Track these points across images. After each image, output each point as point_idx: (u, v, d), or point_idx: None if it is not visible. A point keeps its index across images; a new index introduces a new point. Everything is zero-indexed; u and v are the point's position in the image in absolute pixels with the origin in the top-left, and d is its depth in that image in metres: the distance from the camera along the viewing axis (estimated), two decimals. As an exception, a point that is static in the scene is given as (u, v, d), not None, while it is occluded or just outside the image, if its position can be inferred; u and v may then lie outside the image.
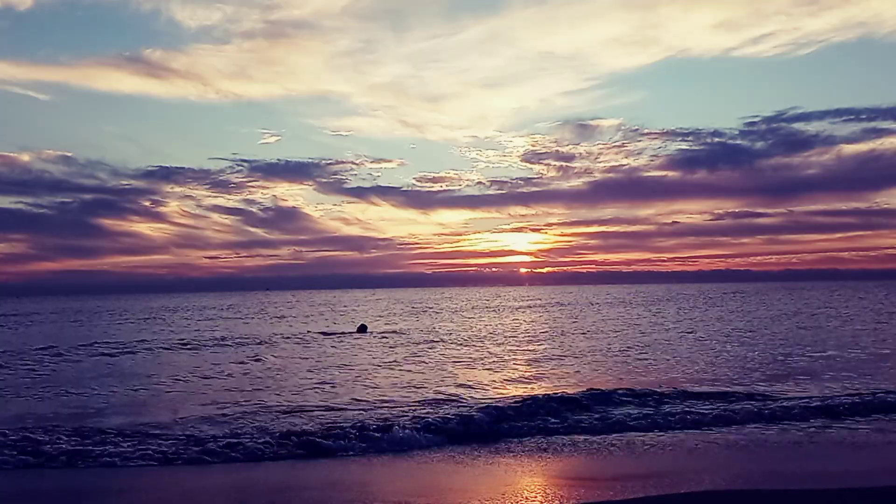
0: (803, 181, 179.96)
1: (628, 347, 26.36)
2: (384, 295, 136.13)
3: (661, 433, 11.83)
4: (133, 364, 23.74)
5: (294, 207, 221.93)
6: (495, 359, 23.78)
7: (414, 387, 17.49)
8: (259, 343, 30.82)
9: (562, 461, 10.37)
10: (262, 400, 15.77)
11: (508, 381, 18.59)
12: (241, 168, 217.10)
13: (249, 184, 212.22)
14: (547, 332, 35.90)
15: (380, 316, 53.68)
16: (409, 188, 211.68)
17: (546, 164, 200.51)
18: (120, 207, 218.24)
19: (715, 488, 8.10)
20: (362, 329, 36.54)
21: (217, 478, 9.63)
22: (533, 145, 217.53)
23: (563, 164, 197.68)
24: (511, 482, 9.16)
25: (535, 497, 8.04)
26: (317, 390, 17.26)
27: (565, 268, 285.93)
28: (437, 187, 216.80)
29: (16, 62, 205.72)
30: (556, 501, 7.84)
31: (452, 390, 16.81)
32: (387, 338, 32.71)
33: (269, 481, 9.14)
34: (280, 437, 11.41)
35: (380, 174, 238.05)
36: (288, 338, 33.39)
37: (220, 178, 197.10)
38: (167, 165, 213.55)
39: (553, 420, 12.89)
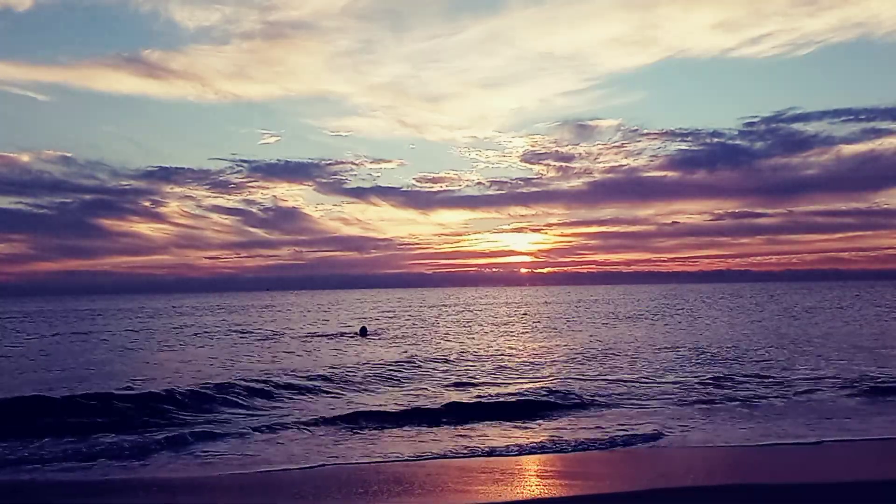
0: (803, 181, 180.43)
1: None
2: (394, 295, 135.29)
3: None
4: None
5: (294, 208, 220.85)
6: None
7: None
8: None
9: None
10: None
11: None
12: (240, 168, 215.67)
13: (249, 184, 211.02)
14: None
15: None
16: (409, 188, 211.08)
17: (546, 165, 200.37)
18: (120, 208, 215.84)
19: None
20: (363, 332, 35.55)
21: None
22: (532, 145, 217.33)
23: (563, 164, 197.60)
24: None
25: None
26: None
27: (565, 268, 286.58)
28: (436, 187, 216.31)
29: (15, 63, 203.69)
30: None
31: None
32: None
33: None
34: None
35: (379, 174, 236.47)
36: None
37: (220, 178, 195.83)
38: (167, 166, 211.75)
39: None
